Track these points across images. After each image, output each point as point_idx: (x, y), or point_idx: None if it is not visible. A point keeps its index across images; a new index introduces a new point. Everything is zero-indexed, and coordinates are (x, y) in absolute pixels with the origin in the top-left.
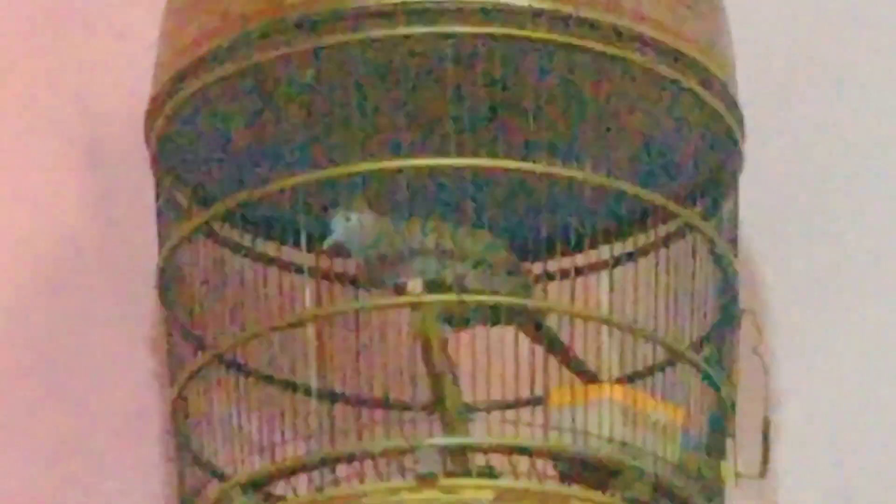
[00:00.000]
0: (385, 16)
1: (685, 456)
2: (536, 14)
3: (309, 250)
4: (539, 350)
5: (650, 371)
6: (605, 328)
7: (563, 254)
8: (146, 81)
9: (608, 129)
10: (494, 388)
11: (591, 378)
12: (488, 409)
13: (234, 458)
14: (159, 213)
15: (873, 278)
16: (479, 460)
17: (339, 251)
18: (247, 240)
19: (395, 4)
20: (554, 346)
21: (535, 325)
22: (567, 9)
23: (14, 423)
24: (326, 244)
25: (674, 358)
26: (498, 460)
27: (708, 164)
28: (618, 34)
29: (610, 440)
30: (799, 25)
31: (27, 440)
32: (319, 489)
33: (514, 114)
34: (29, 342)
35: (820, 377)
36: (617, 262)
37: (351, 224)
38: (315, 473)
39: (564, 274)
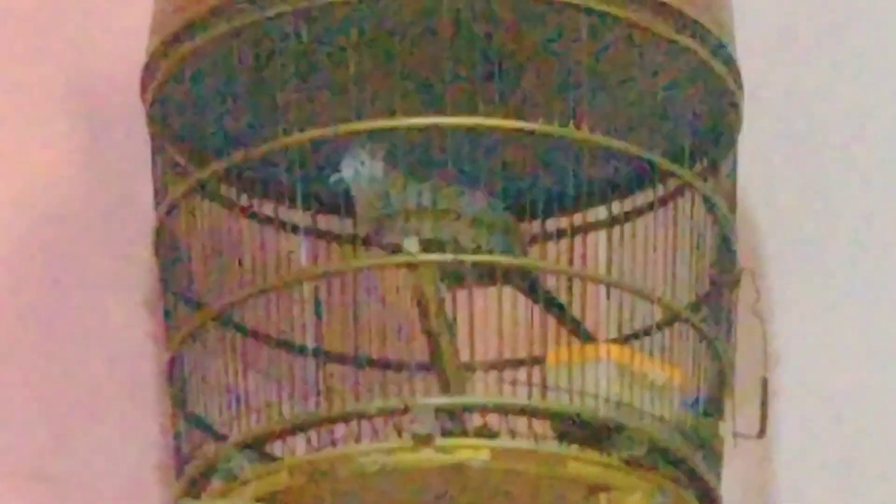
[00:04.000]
0: None
1: (683, 416)
2: None
3: (305, 210)
4: (537, 310)
5: (648, 331)
6: (602, 288)
7: (561, 213)
8: (142, 39)
9: (605, 89)
10: (491, 348)
11: (587, 337)
12: (485, 369)
13: (231, 419)
14: (155, 172)
15: (871, 238)
16: (475, 420)
17: (340, 193)
18: (244, 199)
19: None
20: (550, 306)
21: (529, 285)
22: None
23: (8, 384)
24: (333, 179)
25: (672, 318)
26: (495, 420)
27: (706, 124)
28: None
29: (607, 400)
30: None
31: (22, 402)
32: (316, 449)
33: (511, 73)
34: (24, 303)
35: (818, 337)
36: (615, 221)
37: (362, 169)
38: (311, 433)
39: (562, 234)
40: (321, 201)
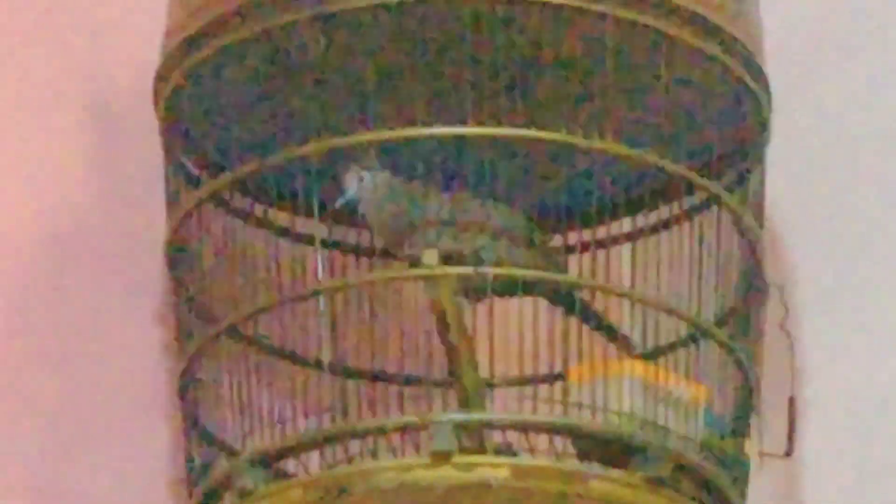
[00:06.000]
0: None
1: (708, 434)
2: None
3: (321, 220)
4: (558, 325)
5: (673, 347)
6: (626, 302)
7: (585, 226)
8: (155, 46)
9: (630, 99)
10: (512, 364)
11: (618, 339)
12: (506, 385)
13: (244, 434)
14: (168, 182)
15: None
16: (495, 437)
17: (353, 211)
18: (258, 210)
19: None
20: (576, 312)
21: (563, 296)
22: None
23: (20, 395)
24: (339, 203)
25: (697, 333)
26: (515, 437)
27: (734, 136)
28: (641, 0)
29: (630, 417)
30: None
31: (31, 412)
32: (331, 466)
33: (535, 82)
34: (34, 315)
35: (847, 354)
36: (639, 234)
37: (364, 183)
38: (327, 450)
39: (585, 247)
40: (338, 212)
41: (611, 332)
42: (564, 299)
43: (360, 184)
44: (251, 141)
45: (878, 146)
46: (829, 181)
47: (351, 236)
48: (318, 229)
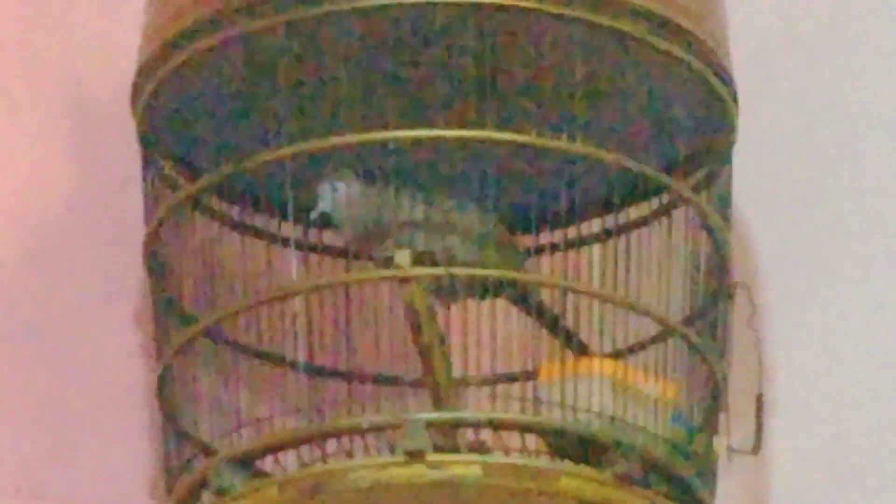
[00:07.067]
0: None
1: (676, 431)
2: None
3: (297, 223)
4: (529, 324)
5: (642, 346)
6: (595, 302)
7: (554, 227)
8: (133, 51)
9: (598, 101)
10: (484, 363)
11: (581, 349)
12: (478, 384)
13: (222, 434)
14: (146, 185)
15: (868, 251)
16: (468, 435)
17: (327, 223)
18: (235, 213)
19: None
20: (544, 318)
21: (522, 298)
22: None
23: None
24: (313, 215)
25: (666, 332)
26: (487, 435)
27: (701, 136)
28: (608, 3)
29: (600, 415)
30: None
31: (11, 413)
32: (307, 465)
33: (504, 85)
34: (14, 314)
35: (814, 351)
36: (608, 235)
37: (338, 195)
38: (303, 449)
39: (555, 247)
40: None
41: (567, 336)
42: (526, 301)
43: (334, 195)
44: (229, 144)
45: (844, 146)
46: (796, 181)
47: (326, 238)
48: (294, 231)
